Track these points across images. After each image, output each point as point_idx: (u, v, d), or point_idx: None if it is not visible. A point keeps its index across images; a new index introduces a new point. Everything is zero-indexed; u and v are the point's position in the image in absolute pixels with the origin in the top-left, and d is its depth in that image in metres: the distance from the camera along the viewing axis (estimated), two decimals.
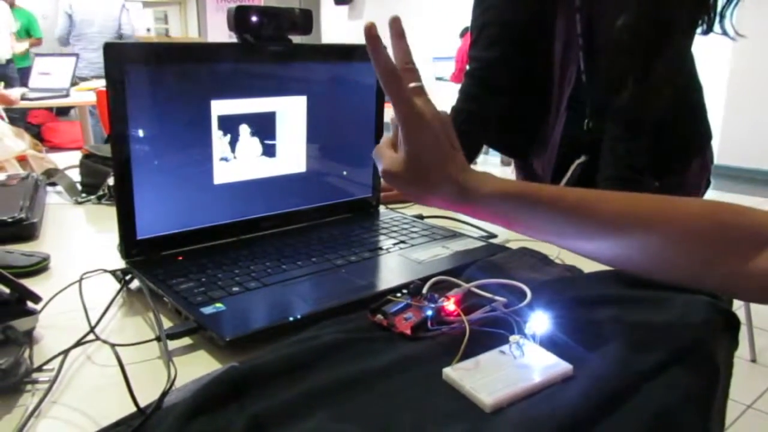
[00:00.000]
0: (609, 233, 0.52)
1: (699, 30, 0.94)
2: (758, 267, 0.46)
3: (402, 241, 0.78)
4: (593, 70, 1.03)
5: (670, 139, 1.02)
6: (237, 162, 0.75)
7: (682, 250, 0.50)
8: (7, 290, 0.54)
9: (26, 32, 5.73)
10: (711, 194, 1.18)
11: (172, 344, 0.53)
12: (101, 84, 3.69)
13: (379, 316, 0.55)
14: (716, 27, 0.93)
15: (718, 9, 0.91)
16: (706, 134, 1.10)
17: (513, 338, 0.50)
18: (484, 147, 1.28)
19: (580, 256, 0.56)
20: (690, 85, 1.06)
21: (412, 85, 0.55)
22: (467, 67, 1.13)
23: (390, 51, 0.55)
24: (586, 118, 1.06)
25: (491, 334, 0.51)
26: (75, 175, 1.10)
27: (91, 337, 0.53)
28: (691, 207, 0.52)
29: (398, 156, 0.56)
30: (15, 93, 3.39)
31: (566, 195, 0.54)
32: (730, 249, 0.48)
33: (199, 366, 0.51)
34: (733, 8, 0.90)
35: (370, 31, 0.52)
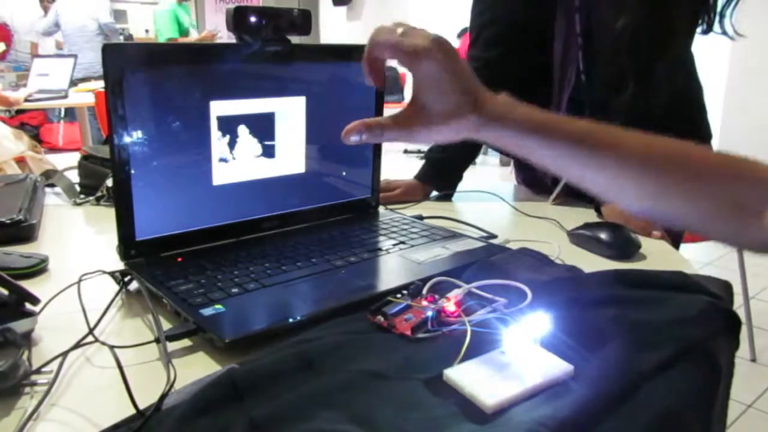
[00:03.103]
0: (631, 174, 0.51)
1: (699, 29, 0.94)
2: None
3: (402, 242, 0.77)
4: (593, 69, 1.03)
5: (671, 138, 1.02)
6: (236, 163, 0.75)
7: (696, 202, 0.50)
8: (5, 292, 0.54)
9: None
10: None
11: (172, 346, 0.53)
12: (100, 85, 3.69)
13: (379, 317, 0.55)
14: (716, 27, 0.93)
15: (718, 9, 0.91)
16: (705, 134, 1.10)
17: (513, 339, 0.50)
18: (483, 147, 1.28)
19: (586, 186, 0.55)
20: (690, 85, 1.06)
21: (399, 30, 0.53)
22: None
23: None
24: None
25: (492, 335, 0.51)
26: (74, 177, 1.10)
27: (90, 338, 0.53)
28: (712, 157, 0.51)
29: (409, 104, 0.55)
30: (20, 94, 3.39)
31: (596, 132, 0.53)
32: (743, 202, 0.48)
33: (198, 368, 0.50)
34: (733, 8, 0.90)
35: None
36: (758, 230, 0.47)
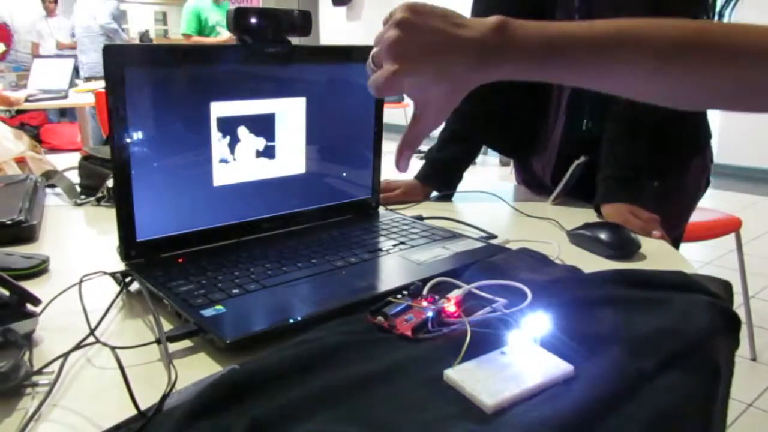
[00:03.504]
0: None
1: None
2: None
3: (402, 242, 0.78)
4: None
5: (669, 139, 1.02)
6: (236, 164, 0.75)
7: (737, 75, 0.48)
8: (6, 293, 0.54)
9: None
10: (710, 192, 1.18)
11: (173, 347, 0.53)
12: (100, 85, 3.70)
13: (380, 318, 0.55)
14: None
15: (717, 8, 0.91)
16: (705, 134, 1.10)
17: (514, 339, 0.50)
18: (483, 147, 1.28)
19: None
20: None
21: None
22: None
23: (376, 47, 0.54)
24: (585, 119, 1.06)
25: (492, 336, 0.51)
26: (74, 177, 1.10)
27: (91, 339, 0.53)
28: (751, 29, 0.48)
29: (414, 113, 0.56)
30: (20, 94, 3.39)
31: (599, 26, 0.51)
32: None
33: (199, 368, 0.50)
34: (732, 8, 0.90)
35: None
36: None
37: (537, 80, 0.52)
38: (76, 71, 4.05)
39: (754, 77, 0.47)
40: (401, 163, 0.58)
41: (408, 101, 0.75)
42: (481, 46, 0.50)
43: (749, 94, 0.49)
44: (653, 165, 0.99)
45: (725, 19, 0.91)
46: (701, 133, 1.09)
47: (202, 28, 5.03)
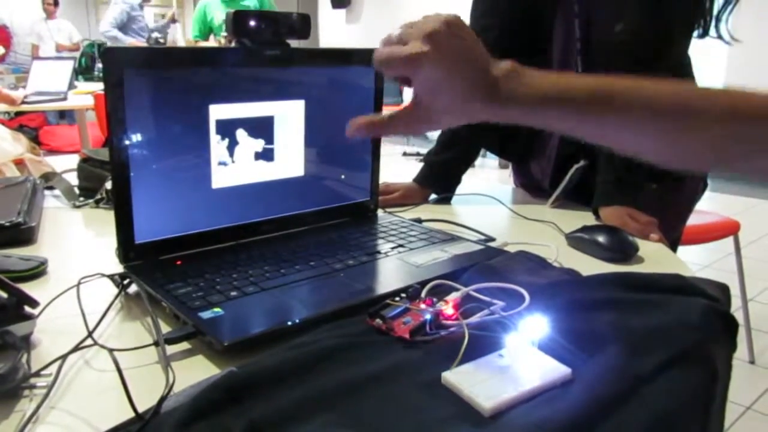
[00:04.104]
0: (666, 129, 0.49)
1: (695, 34, 0.95)
2: None
3: (400, 245, 0.78)
4: (592, 74, 1.03)
5: None
6: (235, 166, 0.75)
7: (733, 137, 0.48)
8: (4, 295, 0.54)
9: None
10: (708, 195, 1.18)
11: (171, 349, 0.53)
12: (99, 87, 3.70)
13: (378, 320, 0.55)
14: (711, 31, 0.93)
15: (714, 13, 0.92)
16: None
17: (511, 342, 0.50)
18: (482, 150, 1.28)
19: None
20: None
21: (394, 36, 0.52)
22: None
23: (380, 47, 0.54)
24: None
25: (490, 338, 0.51)
26: (73, 179, 1.10)
27: (89, 341, 0.53)
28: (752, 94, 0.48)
29: (410, 103, 0.54)
30: (19, 93, 3.39)
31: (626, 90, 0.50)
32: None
33: (197, 371, 0.50)
34: (729, 12, 0.91)
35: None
36: None
37: (539, 127, 0.53)
38: (75, 73, 4.04)
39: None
40: (355, 131, 0.54)
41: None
42: (497, 81, 0.51)
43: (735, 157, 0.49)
44: (651, 168, 0.99)
45: (722, 24, 0.92)
46: None
47: (209, 29, 4.63)
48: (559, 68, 1.07)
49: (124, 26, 4.89)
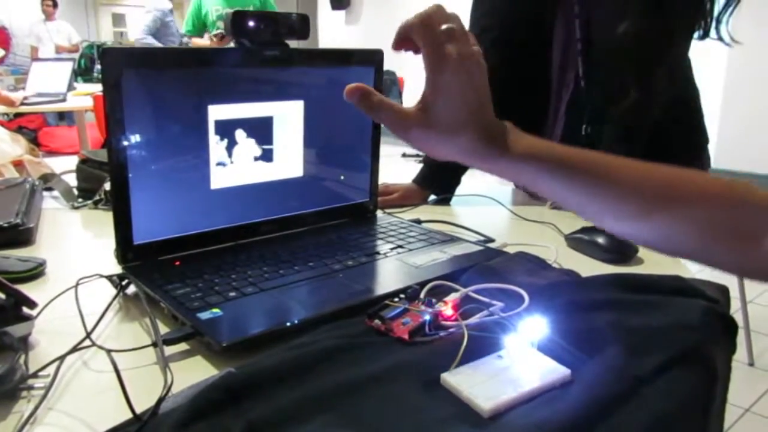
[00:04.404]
0: (633, 212, 0.51)
1: (696, 35, 0.95)
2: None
3: (399, 246, 0.78)
4: (592, 75, 1.04)
5: (666, 143, 1.02)
6: (234, 167, 0.75)
7: (696, 227, 0.49)
8: (2, 296, 0.54)
9: None
10: None
11: (169, 350, 0.53)
12: (98, 89, 3.69)
13: (377, 321, 0.55)
14: (712, 32, 0.93)
15: (715, 14, 0.92)
16: (703, 138, 1.10)
17: (511, 343, 0.50)
18: None
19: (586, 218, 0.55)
20: (687, 90, 1.06)
21: (444, 26, 0.50)
22: None
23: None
24: (584, 124, 1.06)
25: (489, 339, 0.51)
26: (71, 180, 1.10)
27: (87, 342, 0.53)
28: (712, 184, 0.50)
29: (418, 103, 0.53)
30: (18, 95, 3.40)
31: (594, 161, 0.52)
32: (742, 228, 0.48)
33: (195, 372, 0.50)
34: (730, 14, 0.91)
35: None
36: (758, 257, 0.47)
37: (520, 185, 0.54)
38: (74, 75, 4.04)
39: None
40: (350, 93, 0.53)
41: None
42: (505, 128, 0.52)
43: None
44: None
45: (723, 25, 0.92)
46: (698, 137, 1.09)
47: (203, 25, 4.34)
48: (560, 69, 1.07)
49: (157, 33, 4.85)
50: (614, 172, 0.51)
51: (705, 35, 0.94)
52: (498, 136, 0.51)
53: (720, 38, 0.92)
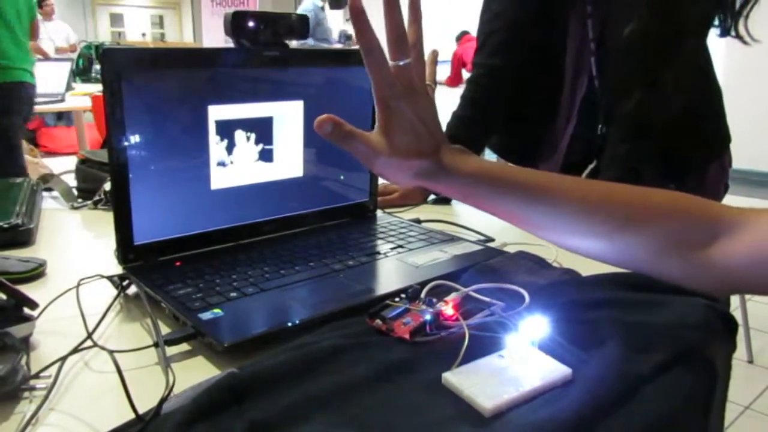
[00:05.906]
0: (573, 223, 0.54)
1: (716, 32, 0.91)
2: (711, 258, 0.48)
3: (400, 246, 0.78)
4: (605, 75, 1.02)
5: (686, 140, 1.00)
6: (234, 167, 0.75)
7: (642, 239, 0.52)
8: (3, 296, 0.54)
9: None
10: (728, 199, 1.17)
11: (170, 350, 0.53)
12: (96, 89, 3.69)
13: (378, 321, 0.55)
14: (731, 30, 0.89)
15: (736, 9, 0.88)
16: (724, 136, 1.07)
17: (512, 342, 0.50)
18: (482, 150, 1.28)
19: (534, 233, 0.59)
20: (707, 87, 1.03)
21: (400, 63, 0.54)
22: (471, 73, 1.13)
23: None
24: (600, 124, 1.05)
25: (490, 339, 0.51)
26: (71, 181, 1.10)
27: (88, 343, 0.53)
28: (654, 197, 0.53)
29: (373, 132, 0.57)
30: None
31: (535, 180, 0.55)
32: (687, 239, 0.50)
33: (197, 372, 0.50)
34: (750, 8, 0.86)
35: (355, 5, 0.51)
36: (705, 266, 0.49)
37: (463, 203, 0.59)
38: (73, 75, 4.04)
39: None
40: (320, 124, 0.56)
41: None
42: (455, 150, 0.57)
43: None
44: (670, 168, 0.97)
45: (742, 21, 0.88)
46: (720, 135, 1.06)
47: None
48: (573, 69, 1.06)
49: (312, 31, 4.84)
50: (556, 191, 0.54)
51: (726, 32, 0.90)
52: (449, 159, 0.56)
53: (737, 35, 0.89)
